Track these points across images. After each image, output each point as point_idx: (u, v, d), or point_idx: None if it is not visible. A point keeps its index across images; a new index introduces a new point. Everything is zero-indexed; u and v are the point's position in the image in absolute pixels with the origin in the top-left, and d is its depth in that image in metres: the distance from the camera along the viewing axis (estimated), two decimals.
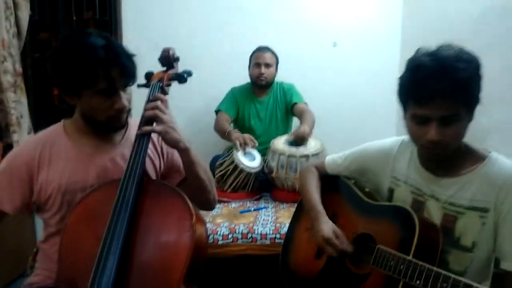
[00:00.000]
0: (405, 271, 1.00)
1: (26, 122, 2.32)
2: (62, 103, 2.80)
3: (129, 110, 1.15)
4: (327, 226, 1.22)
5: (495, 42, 1.78)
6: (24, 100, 2.32)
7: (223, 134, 2.46)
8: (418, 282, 0.97)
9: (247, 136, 2.31)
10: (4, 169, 1.12)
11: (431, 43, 2.46)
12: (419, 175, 1.16)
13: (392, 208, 1.18)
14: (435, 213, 1.11)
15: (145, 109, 1.10)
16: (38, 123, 2.46)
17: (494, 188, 1.02)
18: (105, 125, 1.12)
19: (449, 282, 0.91)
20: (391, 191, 1.23)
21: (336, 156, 1.42)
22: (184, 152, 1.13)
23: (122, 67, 1.05)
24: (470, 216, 1.05)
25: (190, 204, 1.02)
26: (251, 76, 2.58)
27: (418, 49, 1.03)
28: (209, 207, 1.32)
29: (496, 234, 1.03)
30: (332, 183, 1.40)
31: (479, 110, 1.86)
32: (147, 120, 1.10)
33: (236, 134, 2.36)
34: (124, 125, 1.17)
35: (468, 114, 1.01)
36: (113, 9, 2.70)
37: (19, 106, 2.27)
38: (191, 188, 1.20)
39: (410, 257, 1.01)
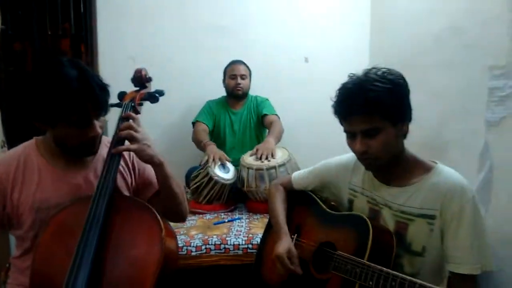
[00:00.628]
0: (360, 274, 1.08)
1: None
2: None
3: (101, 136, 1.17)
4: (282, 246, 1.29)
5: (453, 59, 1.90)
6: None
7: (199, 144, 2.50)
8: (371, 283, 1.05)
9: (220, 154, 2.35)
10: None
11: (397, 58, 2.59)
12: (372, 185, 1.25)
13: (350, 217, 1.27)
14: (389, 221, 1.20)
15: (119, 130, 1.14)
16: (12, 137, 2.44)
17: (440, 196, 1.11)
18: (78, 151, 1.15)
19: (397, 281, 1.00)
20: (350, 202, 1.32)
21: (301, 172, 1.51)
22: (159, 166, 1.16)
23: (96, 100, 1.07)
24: (419, 223, 1.14)
25: (160, 219, 1.06)
26: (227, 88, 2.66)
27: (349, 74, 1.16)
28: (181, 219, 1.35)
29: (443, 239, 1.12)
30: (300, 197, 1.48)
31: (440, 123, 1.99)
32: (120, 139, 1.14)
33: (210, 148, 2.39)
34: (97, 150, 1.19)
35: (394, 127, 1.11)
36: (88, 23, 2.71)
37: None
38: (164, 201, 1.24)
39: (364, 261, 1.09)
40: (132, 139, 1.11)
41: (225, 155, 2.37)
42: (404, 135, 1.17)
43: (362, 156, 1.15)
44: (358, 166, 1.29)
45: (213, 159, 2.29)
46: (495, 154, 1.58)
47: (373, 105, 1.06)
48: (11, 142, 2.25)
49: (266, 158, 2.22)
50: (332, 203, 1.42)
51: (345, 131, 1.17)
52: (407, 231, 1.16)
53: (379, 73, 1.11)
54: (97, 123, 1.11)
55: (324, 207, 1.37)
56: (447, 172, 1.15)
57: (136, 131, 1.12)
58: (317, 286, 1.23)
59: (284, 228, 1.37)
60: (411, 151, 1.21)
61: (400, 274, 1.01)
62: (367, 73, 1.12)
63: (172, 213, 1.28)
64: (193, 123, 2.66)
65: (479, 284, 1.53)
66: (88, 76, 1.07)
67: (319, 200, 1.41)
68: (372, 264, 1.07)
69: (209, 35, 2.85)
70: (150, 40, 2.79)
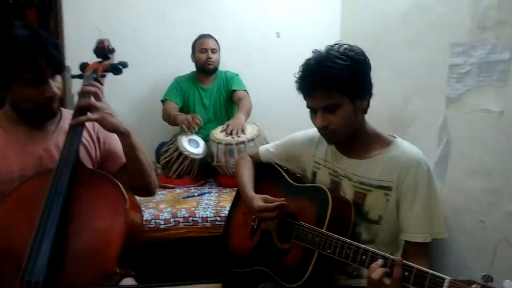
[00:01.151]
0: (318, 243, 1.14)
1: None
2: None
3: (61, 98, 1.16)
4: (256, 200, 1.33)
5: (418, 37, 1.94)
6: None
7: (170, 119, 2.49)
8: (328, 251, 1.11)
9: (191, 116, 2.35)
10: None
11: (366, 35, 2.61)
12: (334, 158, 1.30)
13: (312, 188, 1.32)
14: (348, 191, 1.26)
15: (80, 100, 1.12)
16: None
17: (396, 169, 1.17)
18: (36, 113, 1.13)
19: (352, 249, 1.06)
20: (314, 174, 1.37)
21: (268, 146, 1.55)
22: (125, 135, 1.15)
23: (48, 56, 1.05)
24: (377, 194, 1.20)
25: (124, 190, 1.07)
26: (197, 62, 2.62)
27: (313, 50, 1.18)
28: (150, 192, 1.34)
29: (398, 210, 1.19)
30: (266, 170, 1.52)
31: (404, 99, 2.05)
32: (81, 110, 1.12)
33: (181, 117, 2.39)
34: (55, 113, 1.18)
35: (353, 103, 1.15)
36: None
37: None
38: (131, 173, 1.24)
39: (323, 230, 1.15)
40: (94, 109, 1.09)
41: (197, 116, 2.38)
42: (364, 110, 1.21)
43: (323, 131, 1.20)
44: (322, 140, 1.33)
45: (188, 126, 2.29)
46: (453, 129, 1.65)
47: (331, 81, 1.10)
48: None
49: (237, 134, 2.24)
50: (297, 175, 1.47)
51: (308, 106, 1.21)
52: (364, 201, 1.22)
53: (340, 49, 1.14)
54: (53, 83, 1.09)
55: (289, 179, 1.41)
56: (404, 146, 1.22)
57: (97, 100, 1.10)
58: (280, 255, 1.28)
59: (251, 192, 1.40)
60: (377, 126, 1.26)
61: (355, 243, 1.07)
62: (329, 49, 1.15)
63: (140, 187, 1.27)
64: (162, 102, 2.63)
65: (434, 250, 1.63)
66: (40, 35, 1.06)
67: (284, 173, 1.45)
68: (330, 234, 1.12)
69: (178, 8, 2.78)
70: (117, 11, 2.70)
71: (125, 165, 1.28)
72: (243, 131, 2.27)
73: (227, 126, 2.30)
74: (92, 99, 1.10)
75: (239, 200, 1.56)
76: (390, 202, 1.18)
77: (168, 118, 2.53)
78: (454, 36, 1.61)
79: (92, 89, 1.12)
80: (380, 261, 0.97)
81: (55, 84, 1.11)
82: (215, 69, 2.65)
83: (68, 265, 0.97)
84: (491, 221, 1.43)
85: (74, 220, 1.02)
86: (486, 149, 1.46)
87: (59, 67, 1.11)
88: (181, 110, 2.65)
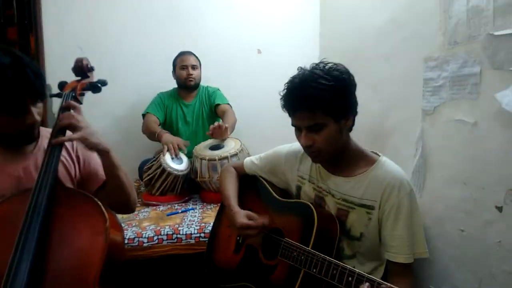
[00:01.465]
0: (305, 261, 1.14)
1: None
2: None
3: (40, 123, 1.15)
4: (239, 216, 1.32)
5: (394, 52, 2.00)
6: None
7: (153, 135, 2.46)
8: (314, 270, 1.11)
9: (178, 141, 2.35)
10: None
11: (344, 50, 2.67)
12: (318, 173, 1.31)
13: (297, 204, 1.32)
14: (331, 207, 1.26)
15: (59, 119, 1.11)
16: None
17: (380, 189, 1.18)
18: (15, 138, 1.13)
19: (338, 269, 1.06)
20: (298, 189, 1.37)
21: (253, 158, 1.55)
22: (105, 154, 1.15)
23: (31, 86, 1.05)
24: (359, 212, 1.21)
25: (104, 209, 1.06)
26: (178, 79, 2.63)
27: (298, 67, 1.19)
28: (130, 210, 1.34)
29: (381, 228, 1.19)
30: (251, 183, 1.52)
31: (383, 112, 2.09)
32: (60, 129, 1.11)
33: (166, 137, 2.37)
34: (35, 138, 1.17)
35: (337, 123, 1.15)
36: (32, 11, 2.59)
37: None
38: (111, 191, 1.23)
39: (309, 248, 1.15)
40: (74, 128, 1.09)
41: (183, 141, 2.37)
42: (349, 128, 1.22)
43: (308, 150, 1.21)
44: (306, 155, 1.33)
45: (172, 150, 2.28)
46: (429, 140, 1.69)
47: (315, 102, 1.10)
48: None
49: (221, 145, 2.25)
50: (282, 188, 1.47)
51: (293, 124, 1.21)
52: (347, 218, 1.23)
53: (325, 68, 1.14)
54: (34, 110, 1.09)
55: (274, 193, 1.41)
56: (388, 165, 1.22)
57: (77, 120, 1.10)
58: (266, 271, 1.28)
59: (235, 205, 1.40)
60: (357, 139, 1.27)
61: (341, 264, 1.07)
62: (313, 68, 1.15)
63: (120, 205, 1.27)
64: (143, 115, 2.61)
65: (417, 260, 1.65)
66: (22, 63, 1.04)
67: (269, 186, 1.45)
68: (316, 253, 1.12)
69: (160, 25, 2.81)
70: (98, 28, 2.71)
71: (104, 183, 1.28)
72: (226, 130, 2.28)
73: (213, 126, 2.30)
74: (73, 119, 1.09)
75: (222, 213, 1.56)
76: (372, 220, 1.19)
77: (150, 132, 2.49)
78: (428, 51, 1.67)
79: (72, 108, 1.13)
80: (366, 285, 0.98)
81: (36, 110, 1.10)
82: (196, 85, 2.66)
83: (47, 285, 0.95)
84: (470, 230, 1.47)
85: (53, 239, 1.00)
86: (462, 159, 1.50)
87: (41, 95, 1.10)
88: (163, 125, 2.64)
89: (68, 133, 1.13)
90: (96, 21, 2.71)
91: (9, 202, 1.07)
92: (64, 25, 2.66)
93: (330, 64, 1.16)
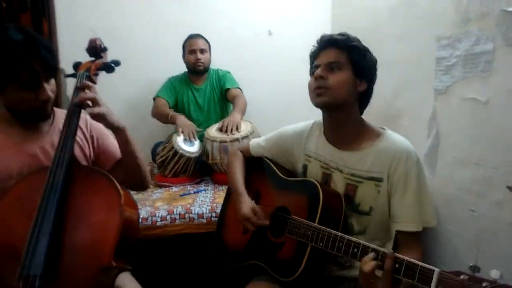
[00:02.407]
0: (311, 236, 1.16)
1: None
2: None
3: (53, 101, 1.18)
4: (245, 206, 1.35)
5: (405, 31, 1.97)
6: None
7: (165, 117, 2.49)
8: (321, 244, 1.13)
9: (192, 129, 2.38)
10: None
11: (356, 30, 2.64)
12: (325, 150, 1.32)
13: (302, 182, 1.34)
14: (339, 183, 1.28)
15: (81, 93, 1.15)
16: None
17: (387, 160, 1.20)
18: (30, 115, 1.16)
19: (343, 242, 1.08)
20: (305, 168, 1.38)
21: (259, 140, 1.56)
22: (121, 131, 1.21)
23: (43, 60, 1.08)
24: (368, 185, 1.22)
25: (119, 186, 1.09)
26: (187, 63, 2.63)
27: None
28: (144, 186, 1.40)
29: (390, 200, 1.21)
30: (257, 164, 1.53)
31: (395, 92, 2.08)
32: (77, 105, 1.15)
33: (182, 120, 2.41)
34: (49, 115, 1.20)
35: (353, 76, 1.21)
36: None
37: None
38: (127, 168, 1.29)
39: (315, 224, 1.17)
40: (96, 103, 1.13)
41: (196, 128, 2.40)
42: (360, 93, 1.25)
43: (317, 83, 1.21)
44: (312, 132, 1.36)
45: (187, 133, 2.32)
46: (441, 121, 1.68)
47: (345, 43, 1.21)
48: None
49: (231, 131, 2.25)
50: (288, 169, 1.48)
51: (313, 66, 1.26)
52: (356, 192, 1.24)
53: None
54: (47, 86, 1.12)
55: (279, 173, 1.43)
56: (394, 138, 1.24)
57: (97, 97, 1.15)
58: (274, 249, 1.30)
59: (243, 190, 1.42)
60: (368, 119, 1.29)
61: (347, 236, 1.09)
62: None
63: (135, 181, 1.32)
64: (154, 99, 2.64)
65: (427, 240, 1.65)
66: (34, 39, 1.08)
67: (274, 167, 1.46)
68: (322, 227, 1.14)
69: (171, 8, 2.80)
70: (110, 12, 2.72)
71: (120, 161, 1.32)
72: (237, 128, 2.29)
73: (223, 123, 2.32)
74: (95, 95, 1.14)
75: (231, 195, 1.58)
76: (381, 193, 1.20)
77: (161, 114, 2.53)
78: (440, 29, 1.64)
79: (88, 88, 1.16)
80: (371, 254, 1.00)
81: (49, 87, 1.14)
82: (205, 70, 2.65)
83: (65, 258, 0.99)
84: (481, 211, 1.46)
85: (70, 215, 1.04)
86: (474, 139, 1.49)
87: (53, 70, 1.13)
88: (175, 109, 2.66)
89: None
90: (107, 5, 2.72)
91: (28, 179, 1.11)
92: (76, 10, 2.68)
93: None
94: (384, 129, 1.28)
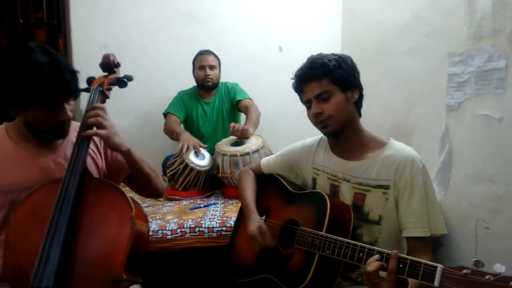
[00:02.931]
0: (318, 244, 1.17)
1: None
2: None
3: (71, 120, 1.21)
4: (253, 224, 1.36)
5: (417, 47, 1.98)
6: None
7: (172, 135, 2.52)
8: (328, 252, 1.14)
9: (194, 142, 2.38)
10: None
11: (367, 46, 2.66)
12: (332, 162, 1.35)
13: (310, 194, 1.37)
14: (347, 193, 1.30)
15: (87, 116, 1.17)
16: None
17: (392, 167, 1.22)
18: (48, 134, 1.18)
19: (349, 247, 1.09)
20: (314, 181, 1.41)
21: (269, 158, 1.60)
22: (126, 154, 1.22)
23: (66, 83, 1.10)
24: (376, 194, 1.24)
25: (129, 199, 1.10)
26: (196, 78, 2.66)
27: None
28: (158, 195, 1.46)
29: (397, 207, 1.22)
30: (268, 181, 1.56)
31: (406, 108, 2.07)
32: (88, 125, 1.17)
33: (183, 136, 2.41)
34: (67, 134, 1.22)
35: (344, 94, 1.25)
36: (61, 12, 2.69)
37: None
38: (139, 182, 1.33)
39: (321, 233, 1.18)
40: (100, 126, 1.15)
41: (199, 142, 2.41)
42: (355, 103, 1.29)
43: (317, 119, 1.27)
44: (319, 146, 1.40)
45: (187, 148, 2.32)
46: (454, 137, 1.67)
47: (321, 70, 1.23)
48: None
49: (244, 142, 2.26)
50: (298, 184, 1.50)
51: (304, 102, 1.31)
52: (364, 201, 1.26)
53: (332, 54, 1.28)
54: (67, 107, 1.14)
55: (289, 187, 1.45)
56: (398, 146, 1.28)
57: (103, 118, 1.16)
58: (283, 261, 1.30)
59: (253, 208, 1.44)
60: (381, 134, 1.32)
61: (352, 241, 1.10)
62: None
63: (149, 191, 1.40)
64: (164, 115, 2.67)
65: (437, 257, 1.62)
66: (59, 62, 1.09)
67: (284, 182, 1.49)
68: (329, 235, 1.16)
69: (182, 24, 2.86)
70: (123, 28, 2.79)
71: (130, 175, 1.35)
72: (245, 134, 2.30)
73: (233, 127, 2.32)
74: (100, 117, 1.15)
75: (243, 214, 1.59)
76: (389, 200, 1.22)
77: (170, 132, 2.55)
78: (452, 46, 1.65)
79: (98, 106, 1.19)
80: (376, 256, 1.01)
81: (69, 107, 1.16)
82: (214, 85, 2.67)
83: (76, 270, 1.00)
84: (495, 228, 1.44)
85: (82, 227, 1.05)
86: (487, 156, 1.47)
87: (74, 93, 1.16)
88: (185, 123, 2.68)
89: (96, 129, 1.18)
90: (120, 22, 2.79)
91: (41, 191, 1.12)
92: (90, 26, 2.75)
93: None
94: (388, 139, 1.32)
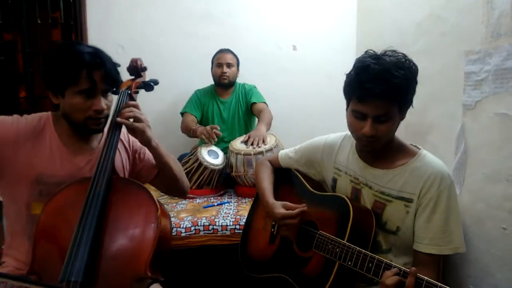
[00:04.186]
0: (339, 254, 1.15)
1: None
2: (28, 104, 2.81)
3: (107, 116, 1.23)
4: (277, 208, 1.34)
5: (433, 46, 1.96)
6: None
7: (189, 132, 2.54)
8: (349, 263, 1.12)
9: (209, 128, 2.40)
10: None
11: (382, 45, 2.64)
12: (356, 165, 1.30)
13: (332, 197, 1.32)
14: (367, 200, 1.26)
15: (124, 111, 1.21)
16: None
17: (420, 182, 1.16)
18: (83, 126, 1.20)
19: (373, 262, 1.07)
20: (334, 181, 1.37)
21: (288, 151, 1.56)
22: (155, 148, 1.28)
23: (105, 72, 1.14)
24: (397, 205, 1.19)
25: (155, 199, 1.12)
26: (214, 76, 2.69)
27: (367, 50, 1.16)
28: (183, 194, 1.49)
29: (414, 220, 1.17)
30: (285, 176, 1.53)
31: (422, 108, 2.06)
32: (117, 125, 1.21)
33: (200, 129, 2.44)
34: (102, 129, 1.24)
35: (400, 115, 1.14)
36: (78, 12, 2.73)
37: None
38: (165, 179, 1.38)
39: (344, 242, 1.15)
40: (137, 120, 1.20)
41: (215, 126, 2.41)
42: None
43: (367, 139, 1.15)
44: (343, 146, 1.34)
45: (207, 137, 2.35)
46: (470, 136, 1.65)
47: (397, 93, 1.07)
48: None
49: (257, 144, 2.27)
50: (317, 180, 1.47)
51: (354, 110, 1.15)
52: (383, 211, 1.22)
53: (400, 58, 1.12)
54: (103, 99, 1.17)
55: (308, 186, 1.42)
56: (429, 158, 1.20)
57: (140, 113, 1.22)
58: (301, 263, 1.29)
59: (271, 198, 1.42)
60: (397, 135, 1.25)
61: (377, 256, 1.07)
62: (389, 55, 1.12)
63: (174, 189, 1.44)
64: (182, 114, 2.70)
65: (453, 257, 1.61)
66: (101, 53, 1.16)
67: (303, 179, 1.46)
68: (352, 246, 1.13)
69: (197, 23, 2.88)
70: (139, 28, 2.82)
71: (158, 173, 1.40)
72: (264, 141, 2.30)
73: (248, 137, 2.34)
74: (137, 112, 1.21)
75: (258, 204, 1.58)
76: (410, 213, 1.17)
77: (187, 131, 2.58)
78: (469, 44, 1.63)
79: (133, 103, 1.24)
80: (394, 269, 1.00)
81: (105, 101, 1.19)
82: (230, 83, 2.69)
83: (103, 267, 1.02)
84: None
85: (109, 225, 1.07)
86: (504, 155, 1.46)
87: (112, 83, 1.20)
88: (200, 122, 2.71)
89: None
90: (136, 21, 2.82)
91: (70, 188, 1.15)
92: (106, 26, 2.78)
93: (400, 54, 1.13)
94: (419, 148, 1.24)
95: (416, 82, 1.13)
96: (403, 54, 1.14)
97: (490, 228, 1.53)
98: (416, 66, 1.13)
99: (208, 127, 2.41)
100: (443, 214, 1.13)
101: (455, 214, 1.15)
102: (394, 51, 1.13)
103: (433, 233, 1.13)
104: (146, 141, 1.23)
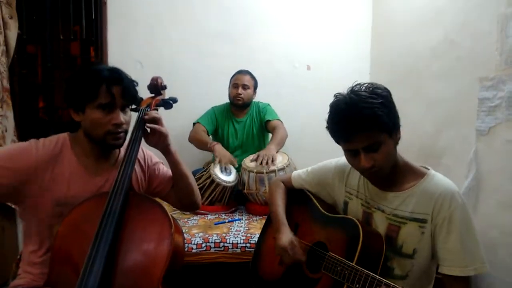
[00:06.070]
0: (348, 276, 1.15)
1: (10, 135, 2.38)
2: (46, 114, 2.89)
3: (126, 131, 1.27)
4: (285, 237, 1.36)
5: (448, 71, 1.98)
6: (10, 114, 2.39)
7: (204, 144, 2.55)
8: (357, 285, 1.11)
9: (229, 159, 2.43)
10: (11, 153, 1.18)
11: (396, 68, 2.65)
12: (367, 189, 1.31)
13: (343, 220, 1.32)
14: (380, 224, 1.25)
15: (148, 115, 1.28)
16: (24, 136, 2.55)
17: (431, 201, 1.16)
18: (102, 141, 1.23)
19: (381, 286, 1.06)
20: (346, 204, 1.38)
21: (301, 172, 1.57)
22: (173, 155, 1.34)
23: (123, 87, 1.19)
24: (411, 226, 1.19)
25: (170, 215, 1.15)
26: (229, 96, 2.73)
27: (335, 94, 1.19)
28: (196, 207, 1.50)
29: (434, 242, 1.17)
30: (298, 196, 1.54)
31: (435, 131, 2.06)
32: (144, 122, 1.28)
33: (219, 150, 2.46)
34: (121, 144, 1.27)
35: (391, 138, 1.15)
36: (99, 29, 2.82)
37: (4, 121, 2.34)
38: (178, 190, 1.41)
39: (353, 264, 1.15)
40: (162, 124, 1.29)
41: (232, 159, 2.44)
42: (397, 141, 1.21)
43: (368, 171, 1.17)
44: (354, 169, 1.34)
45: (222, 164, 2.38)
46: (483, 162, 1.65)
47: (371, 121, 1.09)
48: (24, 140, 2.34)
49: (267, 163, 2.29)
50: (329, 203, 1.48)
51: (345, 150, 1.20)
52: (398, 234, 1.21)
53: (367, 88, 1.14)
54: (122, 113, 1.22)
55: (320, 208, 1.43)
56: (438, 178, 1.20)
57: (161, 120, 1.29)
58: (309, 284, 1.29)
59: (284, 221, 1.43)
60: (409, 157, 1.27)
61: (384, 280, 1.07)
62: (355, 91, 1.14)
63: (187, 202, 1.44)
64: (193, 124, 2.72)
65: (471, 285, 1.59)
66: (120, 71, 1.22)
67: (315, 201, 1.47)
68: (360, 268, 1.13)
69: (214, 42, 2.94)
70: (157, 45, 2.89)
71: (173, 185, 1.43)
72: (273, 161, 2.31)
73: (258, 156, 2.36)
74: (159, 118, 1.29)
75: (269, 225, 1.59)
76: (426, 234, 1.17)
77: (198, 141, 2.59)
78: (483, 70, 1.65)
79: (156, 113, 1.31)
80: None
81: (124, 116, 1.23)
82: (245, 105, 2.71)
83: (117, 282, 1.03)
84: None
85: (124, 240, 1.09)
86: None
87: (131, 99, 1.25)
88: (215, 138, 2.73)
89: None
90: (156, 38, 2.90)
91: (86, 203, 1.18)
92: (126, 43, 2.86)
93: (366, 84, 1.15)
94: (428, 169, 1.25)
95: (390, 103, 1.14)
96: (369, 83, 1.16)
97: (504, 256, 1.51)
98: (385, 89, 1.15)
99: (228, 157, 2.43)
100: (458, 234, 1.13)
101: (472, 234, 1.14)
102: (359, 84, 1.16)
103: (452, 254, 1.13)
104: (166, 145, 1.30)
